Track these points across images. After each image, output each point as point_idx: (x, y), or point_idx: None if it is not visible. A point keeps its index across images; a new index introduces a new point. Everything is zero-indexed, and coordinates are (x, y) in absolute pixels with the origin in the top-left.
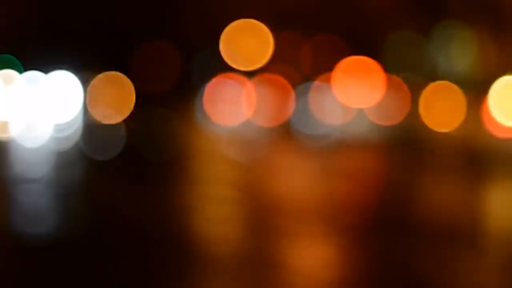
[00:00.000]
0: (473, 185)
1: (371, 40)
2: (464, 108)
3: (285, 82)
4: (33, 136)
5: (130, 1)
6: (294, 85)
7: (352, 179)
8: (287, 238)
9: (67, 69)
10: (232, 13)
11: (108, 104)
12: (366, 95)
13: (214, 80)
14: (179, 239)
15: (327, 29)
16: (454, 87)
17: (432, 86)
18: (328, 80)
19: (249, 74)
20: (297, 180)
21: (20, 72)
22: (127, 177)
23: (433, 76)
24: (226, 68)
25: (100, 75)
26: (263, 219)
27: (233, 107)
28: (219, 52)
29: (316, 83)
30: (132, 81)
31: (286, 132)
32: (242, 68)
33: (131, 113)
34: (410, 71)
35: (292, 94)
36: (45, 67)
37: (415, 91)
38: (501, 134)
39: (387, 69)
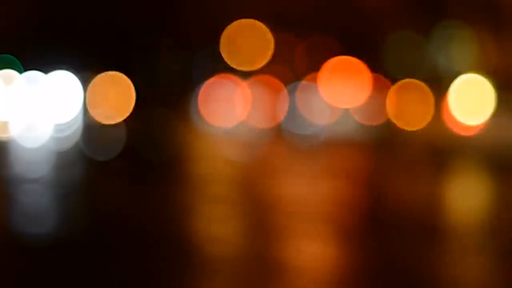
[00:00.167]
0: (441, 181)
1: (371, 41)
2: (432, 107)
3: (279, 83)
4: (33, 136)
5: (130, 1)
6: (286, 85)
7: (342, 178)
8: (287, 238)
9: (67, 69)
10: (232, 13)
11: (108, 104)
12: (352, 95)
13: (208, 81)
14: (179, 239)
15: (326, 29)
16: (422, 85)
17: (399, 85)
18: (315, 80)
19: (244, 75)
20: (293, 180)
21: (20, 72)
22: (127, 177)
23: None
24: (226, 68)
25: (100, 75)
26: (263, 219)
27: (228, 108)
28: (219, 52)
29: (303, 82)
30: (132, 81)
31: (277, 132)
32: (242, 68)
33: (131, 113)
34: (409, 72)
35: (286, 95)
36: (45, 67)
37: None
38: (462, 132)
39: (386, 69)
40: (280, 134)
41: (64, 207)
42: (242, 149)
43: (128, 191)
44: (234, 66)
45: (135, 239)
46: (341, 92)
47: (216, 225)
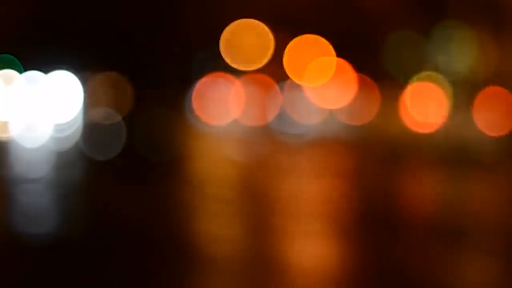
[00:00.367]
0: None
1: (371, 41)
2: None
3: (272, 81)
4: (33, 136)
5: (130, 1)
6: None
7: (338, 177)
8: (287, 237)
9: (67, 69)
10: (232, 13)
11: (108, 104)
12: (336, 96)
13: (202, 80)
14: (179, 239)
15: (326, 30)
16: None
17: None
18: (300, 79)
19: (237, 73)
20: (293, 179)
21: (20, 72)
22: (127, 177)
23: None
24: (226, 68)
25: (100, 75)
26: (263, 219)
27: (222, 106)
28: (219, 52)
29: (289, 81)
30: (132, 81)
31: (270, 131)
32: (242, 68)
33: (131, 113)
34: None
35: (279, 94)
36: (45, 67)
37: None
38: (419, 129)
39: (388, 70)
40: (273, 133)
41: (64, 207)
42: (239, 148)
43: (128, 191)
44: (235, 66)
45: (135, 239)
46: (325, 93)
47: (216, 225)
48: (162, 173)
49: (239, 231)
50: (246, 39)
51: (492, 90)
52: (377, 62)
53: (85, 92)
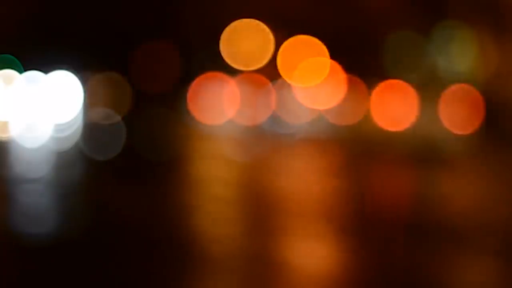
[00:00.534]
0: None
1: (371, 41)
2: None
3: (267, 80)
4: (33, 136)
5: (130, 1)
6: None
7: (334, 176)
8: (287, 237)
9: (67, 69)
10: (232, 13)
11: (107, 104)
12: (325, 97)
13: (197, 80)
14: (179, 239)
15: (325, 30)
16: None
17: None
18: (293, 79)
19: (233, 73)
20: (293, 179)
21: (20, 72)
22: (127, 177)
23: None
24: (226, 68)
25: (100, 75)
26: (264, 219)
27: (217, 106)
28: (219, 52)
29: (279, 81)
30: (132, 81)
31: (262, 131)
32: (242, 68)
33: (131, 113)
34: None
35: (273, 94)
36: (45, 67)
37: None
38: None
39: (388, 70)
40: (267, 132)
41: (64, 207)
42: (238, 148)
43: (128, 191)
44: (235, 66)
45: (135, 239)
46: (314, 94)
47: (216, 225)
48: (162, 173)
49: (239, 231)
50: (246, 39)
51: (460, 88)
52: (377, 62)
53: (85, 92)
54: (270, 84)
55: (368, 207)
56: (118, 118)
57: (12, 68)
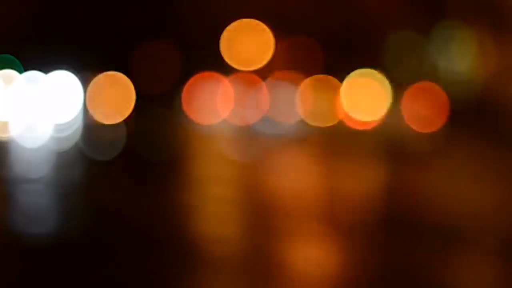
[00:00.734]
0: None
1: (371, 41)
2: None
3: (260, 80)
4: (33, 136)
5: (130, 1)
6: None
7: (331, 175)
8: (287, 237)
9: (67, 69)
10: (232, 13)
11: (108, 104)
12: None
13: (192, 80)
14: (179, 239)
15: (325, 30)
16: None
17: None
18: (281, 78)
19: (227, 72)
20: (292, 178)
21: (20, 72)
22: (127, 177)
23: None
24: (225, 68)
25: (100, 75)
26: (264, 219)
27: (211, 106)
28: (218, 52)
29: (269, 80)
30: (132, 81)
31: (256, 130)
32: (242, 68)
33: (131, 113)
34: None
35: (265, 93)
36: (45, 67)
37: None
38: (356, 126)
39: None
40: (261, 132)
41: (64, 207)
42: (236, 148)
43: (128, 191)
44: (235, 66)
45: (135, 239)
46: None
47: (216, 225)
48: (162, 173)
49: (239, 231)
50: (246, 39)
51: (424, 86)
52: (377, 62)
53: (85, 92)
54: (262, 83)
55: (366, 206)
56: (118, 118)
57: (12, 68)
